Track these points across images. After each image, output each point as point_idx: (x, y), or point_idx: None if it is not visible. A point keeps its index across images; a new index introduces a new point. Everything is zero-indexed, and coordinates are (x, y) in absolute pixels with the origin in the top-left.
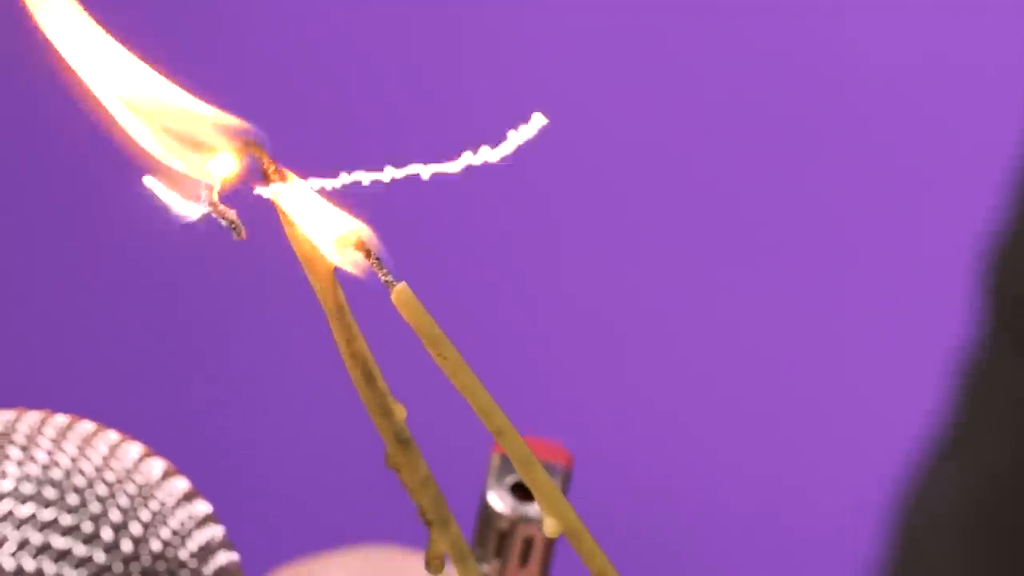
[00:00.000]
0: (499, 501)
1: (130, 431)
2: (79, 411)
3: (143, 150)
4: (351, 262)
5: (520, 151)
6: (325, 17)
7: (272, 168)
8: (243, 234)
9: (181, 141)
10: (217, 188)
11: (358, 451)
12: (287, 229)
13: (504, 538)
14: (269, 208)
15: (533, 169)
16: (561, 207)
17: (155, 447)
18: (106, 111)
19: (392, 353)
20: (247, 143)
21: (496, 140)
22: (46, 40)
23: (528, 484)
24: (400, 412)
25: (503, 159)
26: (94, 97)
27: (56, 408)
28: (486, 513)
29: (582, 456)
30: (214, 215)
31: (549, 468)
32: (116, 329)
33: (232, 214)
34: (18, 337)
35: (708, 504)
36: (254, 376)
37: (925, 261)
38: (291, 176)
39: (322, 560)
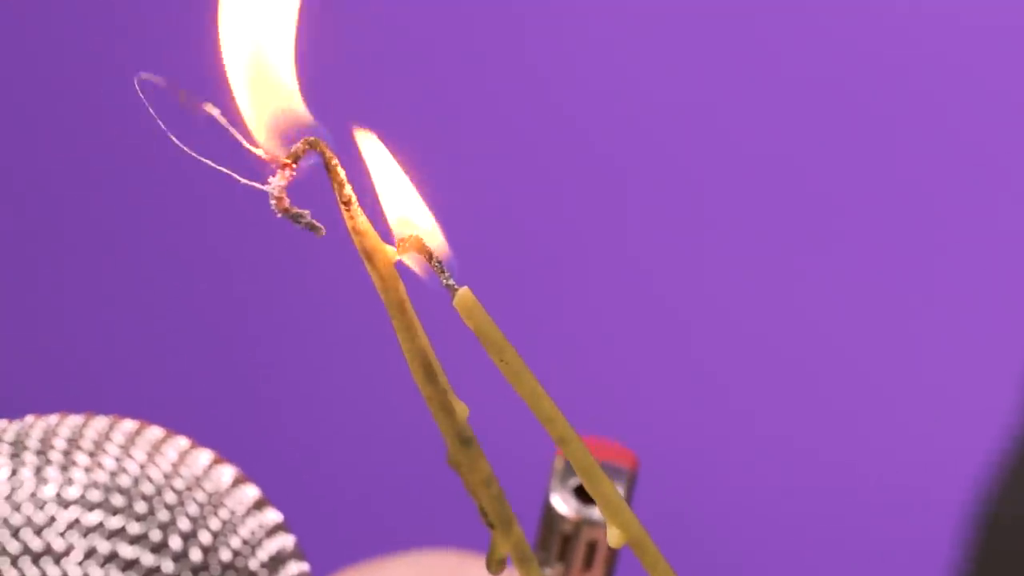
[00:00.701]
0: (563, 503)
1: (187, 434)
2: (146, 416)
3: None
4: (413, 261)
5: (589, 152)
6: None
7: (350, 202)
8: (321, 231)
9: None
10: (284, 183)
11: (420, 452)
12: (349, 222)
13: (568, 541)
14: (324, 203)
15: (596, 168)
16: (627, 206)
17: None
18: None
19: (454, 352)
20: (314, 142)
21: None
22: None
23: (591, 493)
24: (462, 410)
25: (563, 156)
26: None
27: (125, 413)
28: (549, 516)
29: (648, 458)
30: (281, 212)
31: (614, 470)
32: (170, 331)
33: (306, 214)
34: (69, 344)
35: (778, 508)
36: (313, 377)
37: (1005, 256)
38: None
39: (380, 565)
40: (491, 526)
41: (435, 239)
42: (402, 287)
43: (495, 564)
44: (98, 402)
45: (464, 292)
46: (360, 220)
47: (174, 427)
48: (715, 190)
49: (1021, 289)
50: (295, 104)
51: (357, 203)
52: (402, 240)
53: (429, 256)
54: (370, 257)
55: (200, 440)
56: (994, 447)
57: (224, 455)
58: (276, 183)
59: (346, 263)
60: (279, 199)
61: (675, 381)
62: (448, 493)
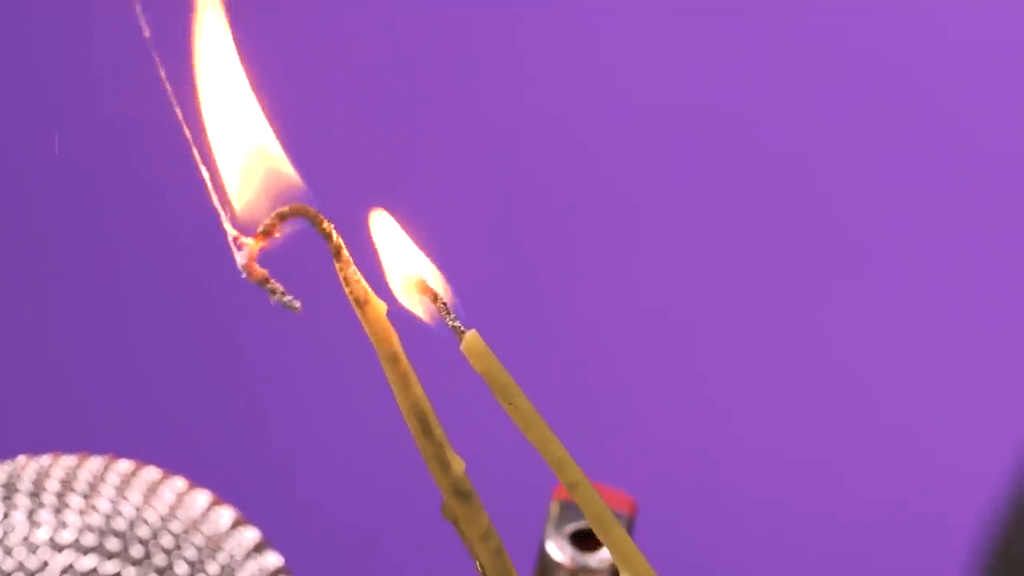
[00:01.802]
0: (558, 551)
1: (185, 474)
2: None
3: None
4: (418, 306)
5: (580, 188)
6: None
7: (340, 252)
8: (297, 308)
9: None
10: (256, 249)
11: (422, 493)
12: (340, 273)
13: None
14: (313, 248)
15: (598, 207)
16: (632, 241)
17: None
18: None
19: (446, 394)
20: (300, 209)
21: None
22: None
23: (602, 539)
24: (459, 465)
25: (557, 191)
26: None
27: (104, 441)
28: (544, 563)
29: (647, 504)
30: (254, 279)
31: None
32: (165, 368)
33: (279, 288)
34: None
35: (781, 546)
36: (315, 421)
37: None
38: (338, 240)
39: None
40: None
41: (439, 282)
42: (395, 338)
43: None
44: (92, 441)
45: (472, 335)
46: (351, 270)
47: (171, 467)
48: (722, 233)
49: None
50: (282, 168)
51: (347, 254)
52: (407, 282)
53: (434, 298)
54: (362, 307)
55: (198, 480)
56: (1006, 474)
57: (223, 496)
58: (246, 251)
59: (332, 307)
60: (250, 268)
61: (681, 418)
62: (449, 535)
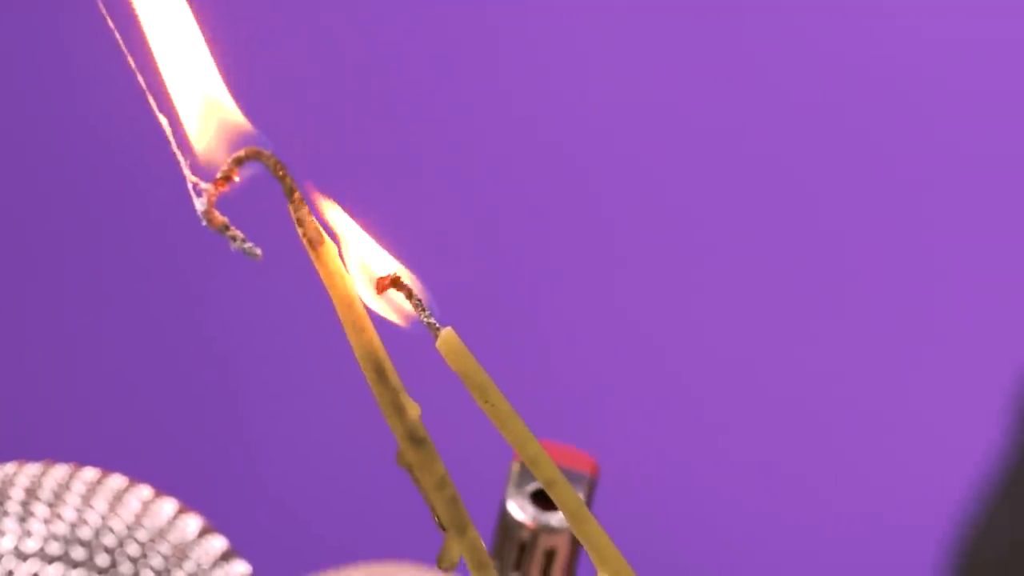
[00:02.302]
0: (519, 510)
1: (151, 483)
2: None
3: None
4: (391, 306)
5: (551, 173)
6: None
7: (285, 182)
8: (258, 255)
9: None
10: (215, 194)
11: (370, 463)
12: (294, 213)
13: (524, 549)
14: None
15: (573, 203)
16: (605, 236)
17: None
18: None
19: (408, 349)
20: (257, 152)
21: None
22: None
23: (580, 537)
24: (414, 409)
25: (532, 188)
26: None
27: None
28: (505, 522)
29: (610, 469)
30: (213, 226)
31: (573, 476)
32: (131, 373)
33: (239, 235)
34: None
35: (742, 523)
36: (258, 383)
37: (998, 277)
38: (325, 205)
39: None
40: (444, 529)
41: (411, 279)
42: (350, 281)
43: (446, 563)
44: (56, 449)
45: (447, 333)
46: (304, 211)
47: (136, 475)
48: (697, 216)
49: (1012, 316)
50: (234, 117)
51: (300, 195)
52: (381, 279)
53: (409, 294)
54: (315, 249)
55: (164, 489)
56: (977, 477)
57: (190, 504)
58: (205, 197)
59: (282, 249)
60: (210, 214)
61: (656, 404)
62: (399, 508)
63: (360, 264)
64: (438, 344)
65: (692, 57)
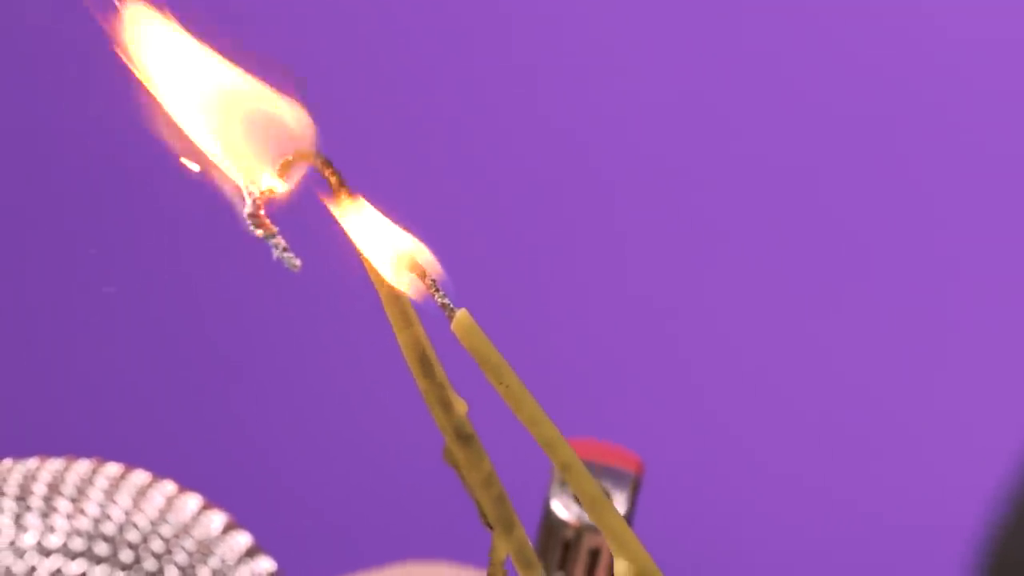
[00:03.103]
0: (564, 509)
1: (174, 478)
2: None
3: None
4: (408, 285)
5: (572, 161)
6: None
7: (337, 182)
8: (297, 264)
9: (243, 151)
10: (264, 199)
11: (403, 461)
12: (341, 209)
13: (569, 549)
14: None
15: (584, 179)
16: (625, 221)
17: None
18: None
19: (457, 350)
20: (307, 154)
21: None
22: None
23: (596, 522)
24: (461, 406)
25: (557, 173)
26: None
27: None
28: (550, 521)
29: (653, 468)
30: (261, 231)
31: (618, 475)
32: (149, 369)
33: (278, 236)
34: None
35: (784, 518)
36: (305, 416)
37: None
38: (351, 196)
39: None
40: (490, 527)
41: (428, 259)
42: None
43: (497, 568)
44: (78, 445)
45: (462, 314)
46: (352, 206)
47: (160, 470)
48: (726, 214)
49: None
50: (267, 106)
51: (351, 197)
52: (397, 259)
53: (423, 275)
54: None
55: (188, 484)
56: (1005, 477)
57: (213, 499)
58: (253, 201)
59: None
60: (259, 220)
61: (676, 393)
62: (448, 535)
63: (379, 241)
64: (453, 325)
65: (706, 47)
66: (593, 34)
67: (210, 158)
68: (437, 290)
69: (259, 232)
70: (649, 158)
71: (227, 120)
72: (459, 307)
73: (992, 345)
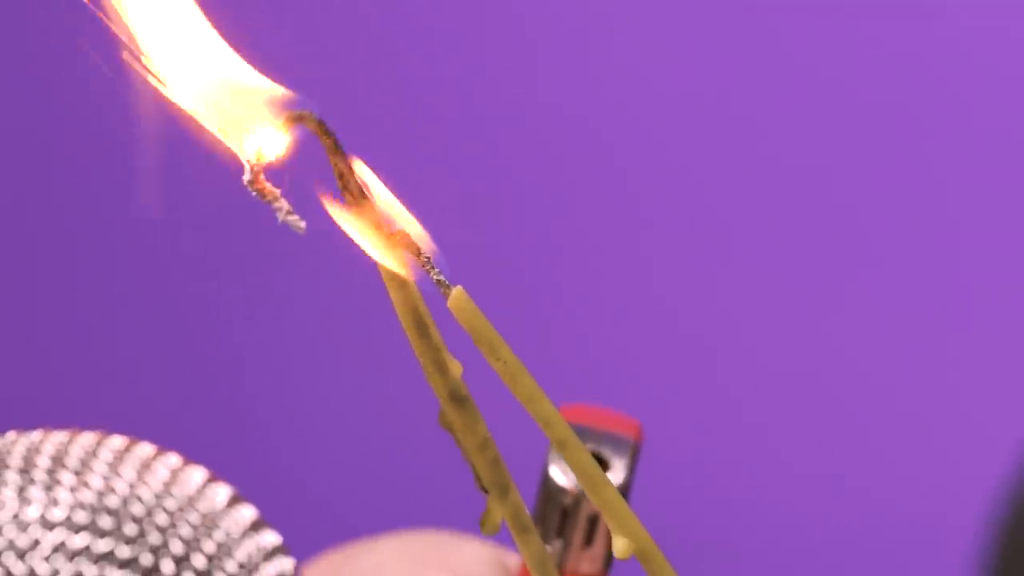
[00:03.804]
0: (562, 475)
1: (179, 450)
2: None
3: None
4: (401, 262)
5: (578, 147)
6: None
7: (329, 140)
8: (302, 226)
9: (235, 119)
10: (262, 164)
11: (398, 431)
12: (336, 168)
13: (567, 516)
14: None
15: (578, 158)
16: (621, 200)
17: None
18: (162, 87)
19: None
20: (300, 115)
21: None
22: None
23: (593, 499)
24: (456, 368)
25: (550, 151)
26: (145, 68)
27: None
28: (548, 488)
29: (653, 432)
30: (263, 196)
31: (617, 441)
32: (155, 340)
33: (281, 199)
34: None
35: (785, 500)
36: (306, 392)
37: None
38: (346, 160)
39: (368, 545)
40: (485, 491)
41: (421, 236)
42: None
43: (489, 527)
44: (82, 417)
45: (458, 291)
46: (346, 167)
47: (164, 443)
48: (731, 199)
49: None
50: (272, 90)
51: (344, 155)
52: (390, 235)
53: (417, 252)
54: (357, 203)
55: (193, 456)
56: (1006, 474)
57: (219, 472)
58: (251, 166)
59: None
60: (258, 183)
61: (678, 362)
62: (445, 502)
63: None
64: (449, 302)
65: (716, 45)
66: (596, 26)
67: (206, 127)
68: (432, 267)
69: (263, 198)
70: (643, 140)
71: (218, 91)
72: (455, 284)
73: (993, 343)
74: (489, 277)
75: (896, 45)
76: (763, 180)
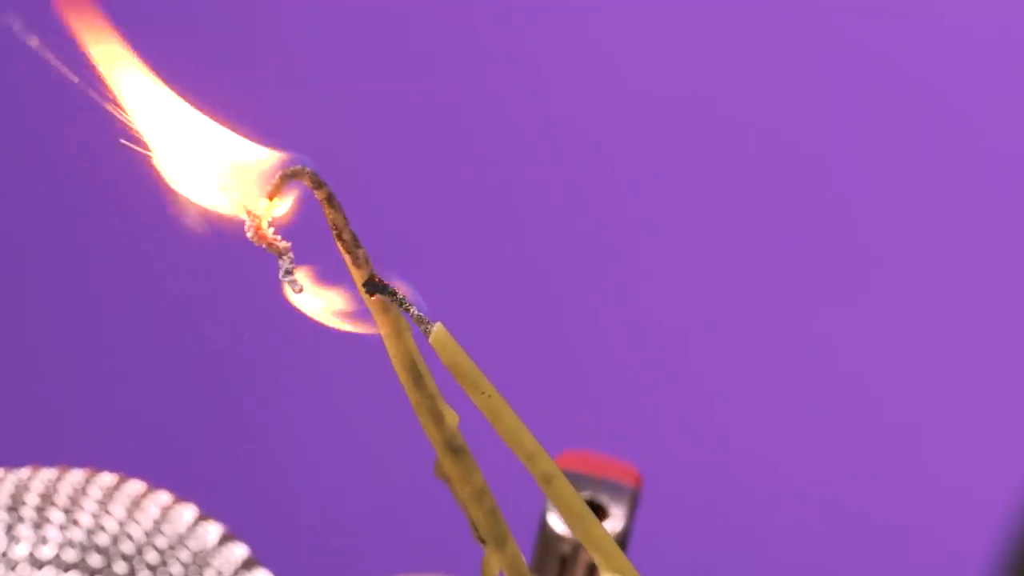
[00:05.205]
0: (560, 523)
1: (169, 488)
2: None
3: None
4: (375, 304)
5: (546, 160)
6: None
7: (322, 192)
8: (300, 287)
9: (242, 196)
10: (268, 220)
11: (400, 473)
12: (329, 219)
13: (566, 564)
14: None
15: (568, 182)
16: (608, 219)
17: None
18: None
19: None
20: (295, 172)
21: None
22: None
23: (579, 536)
24: (452, 418)
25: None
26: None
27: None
28: (546, 536)
29: (652, 479)
30: (270, 249)
31: (616, 488)
32: (144, 379)
33: (288, 253)
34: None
35: (782, 534)
36: (303, 430)
37: None
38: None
39: None
40: (483, 543)
41: (400, 283)
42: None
43: None
44: (72, 455)
45: (439, 329)
46: (342, 219)
47: (155, 481)
48: (724, 218)
49: None
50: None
51: (338, 203)
52: (368, 280)
53: (392, 294)
54: (352, 253)
55: (183, 493)
56: (1019, 487)
57: (209, 510)
58: (253, 220)
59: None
60: (261, 236)
61: (676, 404)
62: (441, 549)
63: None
64: (431, 340)
65: (713, 46)
66: (594, 26)
67: (219, 211)
68: (409, 306)
69: (269, 249)
70: (640, 158)
71: (220, 175)
72: (441, 320)
73: (1007, 351)
74: (492, 310)
75: (896, 45)
76: (763, 203)
